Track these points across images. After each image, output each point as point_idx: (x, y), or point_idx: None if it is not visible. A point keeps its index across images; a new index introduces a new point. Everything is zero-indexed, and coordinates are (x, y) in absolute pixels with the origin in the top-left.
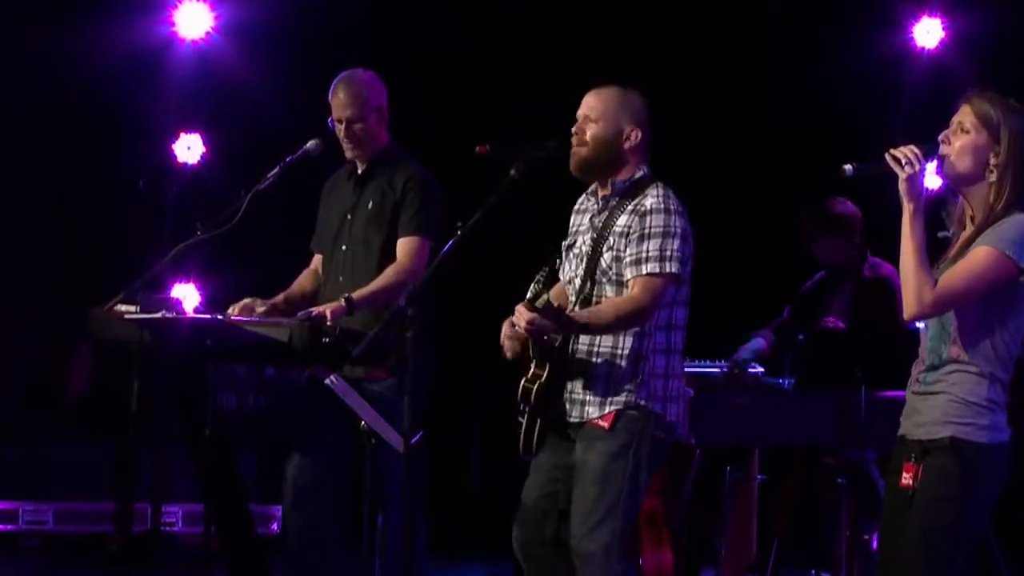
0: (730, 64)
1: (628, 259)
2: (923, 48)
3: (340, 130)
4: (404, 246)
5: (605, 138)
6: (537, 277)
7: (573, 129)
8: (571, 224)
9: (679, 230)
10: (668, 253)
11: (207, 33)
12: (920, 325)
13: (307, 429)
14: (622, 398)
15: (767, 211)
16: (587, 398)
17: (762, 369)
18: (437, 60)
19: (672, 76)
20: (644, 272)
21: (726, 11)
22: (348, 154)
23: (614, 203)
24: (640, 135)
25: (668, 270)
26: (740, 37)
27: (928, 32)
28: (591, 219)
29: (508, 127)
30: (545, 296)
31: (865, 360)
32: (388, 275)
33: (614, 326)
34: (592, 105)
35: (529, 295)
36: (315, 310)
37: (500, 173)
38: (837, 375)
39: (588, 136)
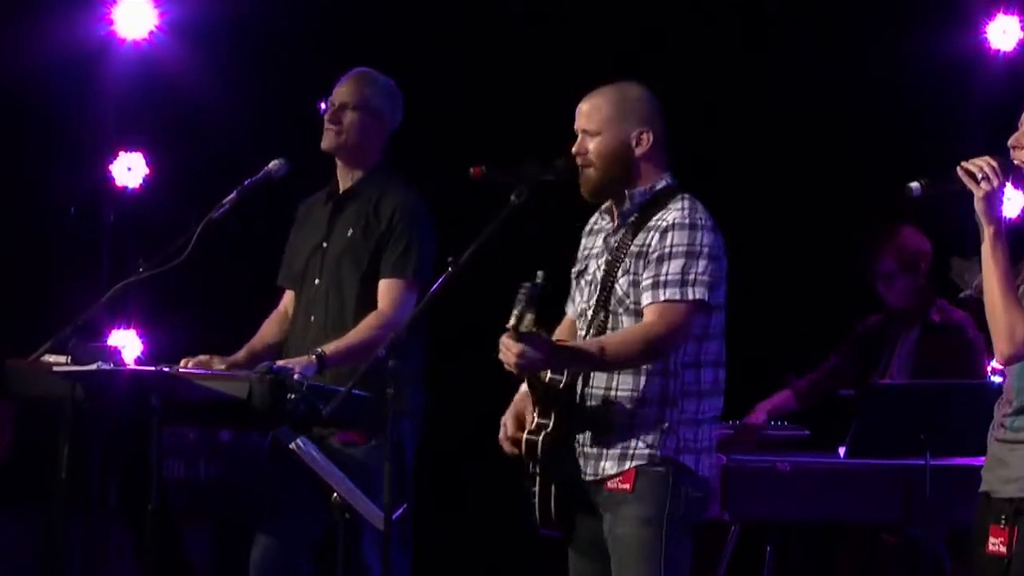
0: (779, 67)
1: (645, 283)
2: (998, 50)
3: (328, 114)
4: (388, 291)
5: (612, 151)
6: (518, 297)
7: (574, 150)
8: (581, 248)
9: (706, 249)
10: (691, 277)
11: (151, 33)
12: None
13: (270, 502)
14: (645, 451)
15: (813, 238)
16: (602, 451)
17: (805, 431)
18: (422, 67)
19: (714, 81)
20: (662, 298)
21: (775, 7)
22: (324, 143)
23: (632, 219)
24: (652, 136)
25: (691, 296)
26: (791, 37)
27: (1004, 32)
28: (605, 240)
29: (507, 145)
30: (530, 317)
31: (931, 422)
32: (369, 326)
33: (623, 360)
34: (588, 115)
35: (512, 321)
36: (279, 363)
37: (499, 199)
38: (898, 439)
39: (592, 154)
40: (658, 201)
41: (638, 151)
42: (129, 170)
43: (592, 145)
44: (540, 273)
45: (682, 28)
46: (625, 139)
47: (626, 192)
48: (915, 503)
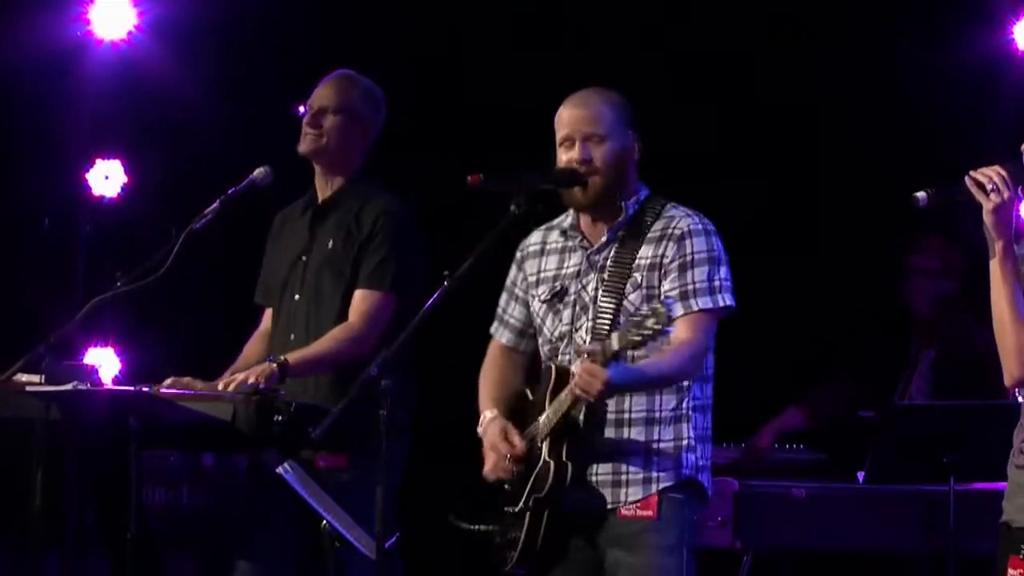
0: (786, 67)
1: (671, 293)
2: None
3: (307, 118)
4: (360, 302)
5: (619, 159)
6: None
7: (577, 156)
8: (534, 271)
9: (723, 255)
10: (717, 283)
11: (130, 33)
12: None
13: (255, 530)
14: (670, 471)
15: (829, 248)
16: (620, 478)
17: (822, 454)
18: (415, 70)
19: (717, 80)
20: (695, 308)
21: (786, 4)
22: (301, 147)
23: (623, 232)
24: (640, 144)
25: (721, 304)
26: (800, 34)
27: None
28: (588, 257)
29: (506, 152)
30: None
31: (955, 444)
32: (335, 338)
33: (680, 377)
34: (593, 119)
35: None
36: (240, 375)
37: (497, 209)
38: (920, 463)
39: (600, 161)
40: (644, 211)
41: (634, 158)
42: (106, 178)
43: (599, 152)
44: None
45: (691, 30)
46: (628, 146)
47: (622, 204)
48: (938, 530)
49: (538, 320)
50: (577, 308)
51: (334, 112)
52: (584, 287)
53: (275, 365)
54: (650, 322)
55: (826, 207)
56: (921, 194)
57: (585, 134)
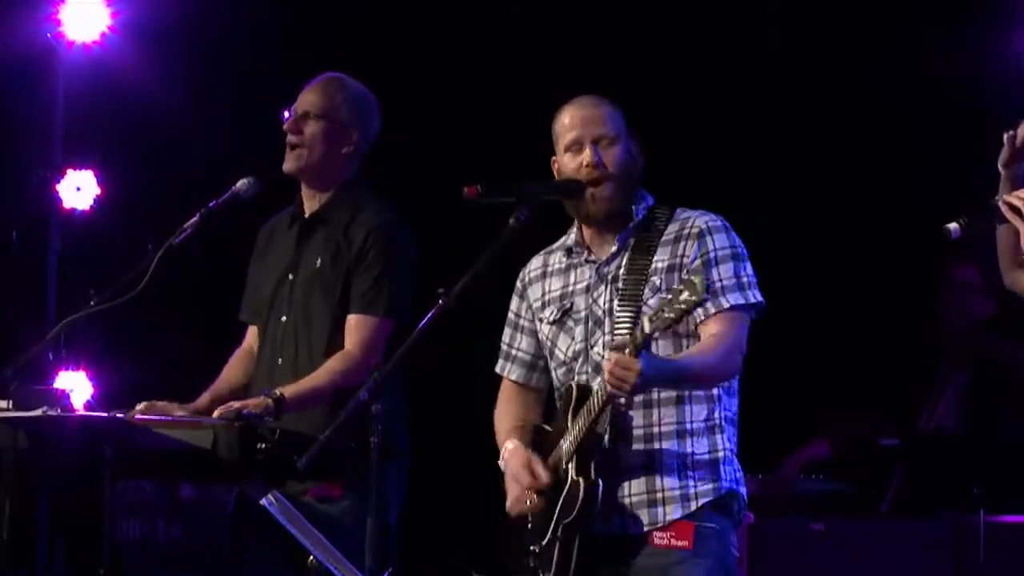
0: (798, 73)
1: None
2: None
3: (288, 123)
4: (356, 328)
5: (630, 161)
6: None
7: (589, 161)
8: (541, 294)
9: (745, 252)
10: (745, 279)
11: (103, 35)
12: None
13: (237, 566)
14: (709, 486)
15: (836, 271)
16: (656, 496)
17: (842, 484)
18: (408, 73)
19: (727, 89)
20: (726, 306)
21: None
22: (286, 166)
23: (634, 239)
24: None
25: (752, 300)
26: (815, 39)
27: None
28: (598, 271)
29: (506, 161)
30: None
31: (986, 474)
32: (332, 370)
33: (713, 373)
34: (604, 121)
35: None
36: (235, 405)
37: (496, 221)
38: (948, 493)
39: (614, 166)
40: (651, 217)
41: (641, 163)
42: (78, 190)
43: (611, 155)
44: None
45: (692, 34)
46: (636, 149)
47: (632, 210)
48: (967, 565)
49: (549, 344)
50: (590, 323)
51: (316, 117)
52: (595, 300)
53: (270, 400)
54: (684, 295)
55: (839, 219)
56: (953, 225)
57: (595, 136)
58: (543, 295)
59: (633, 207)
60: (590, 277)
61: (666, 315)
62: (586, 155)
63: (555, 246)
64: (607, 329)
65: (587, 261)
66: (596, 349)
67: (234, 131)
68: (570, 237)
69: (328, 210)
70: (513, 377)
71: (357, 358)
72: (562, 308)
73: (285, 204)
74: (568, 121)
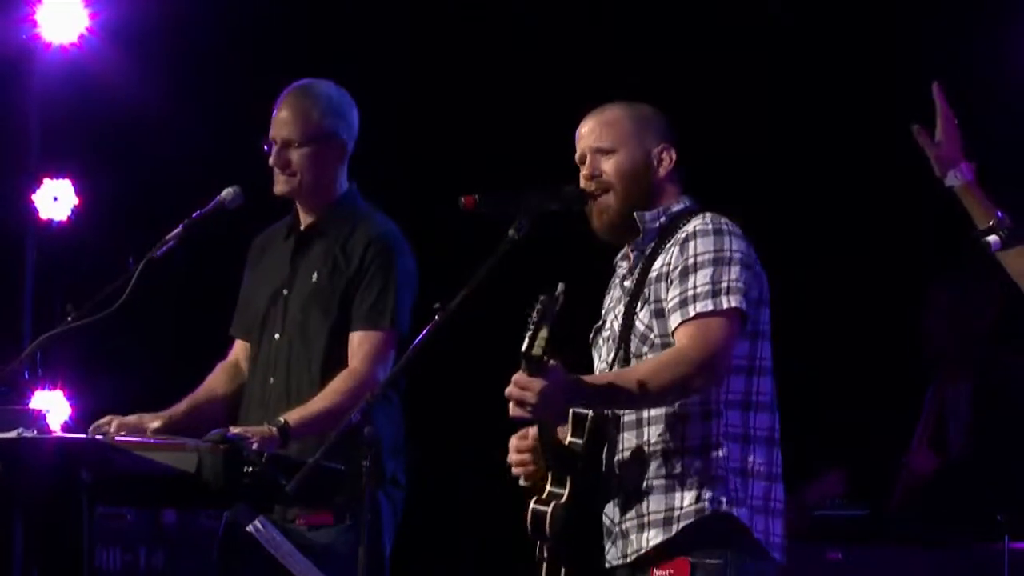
0: (821, 80)
1: (671, 304)
2: None
3: (273, 158)
4: (362, 345)
5: (633, 170)
6: (533, 316)
7: (584, 172)
8: (603, 312)
9: (737, 255)
10: (724, 285)
11: (81, 36)
12: None
13: None
14: (692, 507)
15: (865, 290)
16: (640, 522)
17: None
18: (397, 76)
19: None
20: (692, 314)
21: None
22: (276, 188)
23: (649, 250)
24: (674, 154)
25: (725, 305)
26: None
27: None
28: (622, 285)
29: (504, 170)
30: (544, 336)
31: (1010, 499)
32: (339, 390)
33: (653, 392)
34: (600, 131)
35: (524, 347)
36: (235, 430)
37: (495, 233)
38: (972, 519)
39: (611, 175)
40: (675, 224)
41: (660, 172)
42: (55, 200)
43: (609, 165)
44: (560, 285)
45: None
46: (646, 157)
47: (646, 216)
48: None
49: (596, 362)
50: (611, 341)
51: (300, 144)
52: (616, 316)
53: (275, 429)
54: (543, 333)
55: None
56: (993, 238)
57: (593, 146)
58: (604, 307)
59: (651, 214)
60: (620, 292)
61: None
62: (584, 169)
63: (622, 253)
64: (616, 346)
65: (620, 274)
66: (615, 369)
67: (219, 137)
68: (625, 248)
69: (325, 223)
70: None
71: (364, 375)
72: (597, 327)
73: (274, 213)
74: (576, 136)
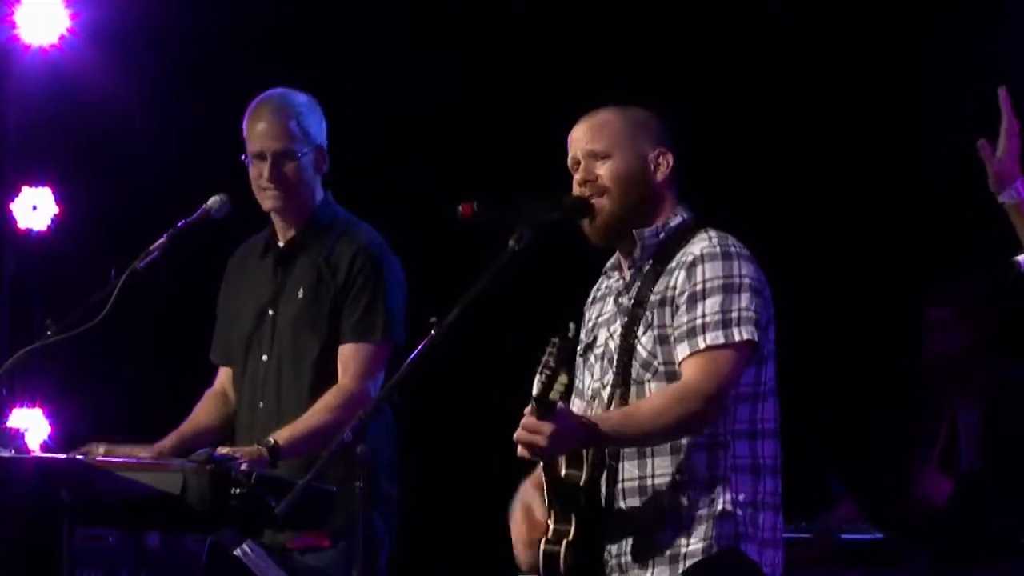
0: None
1: (678, 332)
2: None
3: (261, 170)
4: (352, 358)
5: (630, 174)
6: (544, 358)
7: (578, 177)
8: (586, 320)
9: (747, 280)
10: (734, 315)
11: (62, 38)
12: None
13: None
14: (699, 544)
15: (883, 306)
16: (645, 559)
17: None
18: (394, 78)
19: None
20: (702, 346)
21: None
22: (268, 204)
23: (647, 267)
24: (672, 158)
25: (737, 338)
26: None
27: None
28: (616, 300)
29: (503, 178)
30: (563, 381)
31: None
32: (329, 406)
33: (661, 430)
34: (593, 134)
35: (536, 390)
36: (223, 450)
37: (493, 243)
38: (993, 542)
39: (605, 178)
40: (675, 240)
41: (657, 176)
42: (34, 209)
43: (604, 169)
44: (572, 325)
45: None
46: (642, 161)
47: (636, 235)
48: None
49: (578, 378)
50: (604, 360)
51: (293, 156)
52: (612, 335)
53: (264, 449)
54: (562, 378)
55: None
56: (1021, 257)
57: (586, 151)
58: (587, 322)
59: (649, 231)
60: (613, 307)
61: (540, 378)
62: (578, 173)
63: (610, 263)
64: (614, 367)
65: (614, 289)
66: (607, 390)
67: (206, 144)
68: (613, 257)
69: (306, 236)
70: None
71: (355, 390)
72: (586, 341)
73: (262, 221)
74: (568, 141)
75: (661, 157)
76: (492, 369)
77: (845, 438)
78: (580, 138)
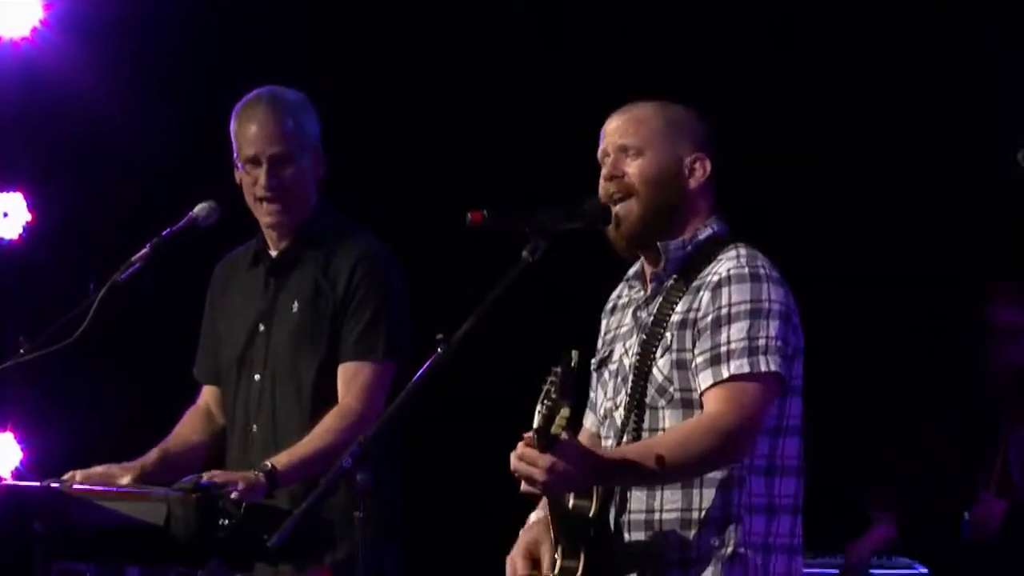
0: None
1: (699, 359)
2: None
3: (257, 177)
4: (354, 378)
5: (660, 175)
6: (545, 388)
7: (606, 173)
8: (602, 331)
9: (776, 306)
10: (761, 342)
11: (35, 31)
12: None
13: None
14: None
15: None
16: None
17: (922, 569)
18: (390, 77)
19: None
20: (725, 375)
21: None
22: (268, 219)
23: (671, 282)
24: (710, 165)
25: (764, 368)
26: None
27: None
28: (635, 314)
29: (517, 182)
30: (565, 414)
31: None
32: (331, 428)
33: (686, 468)
34: (626, 128)
35: (537, 421)
36: (213, 475)
37: (505, 254)
38: None
39: (634, 177)
40: (703, 254)
41: (691, 182)
42: (5, 216)
43: (633, 167)
44: (574, 353)
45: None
46: (676, 163)
47: (661, 247)
48: None
49: (591, 395)
50: (619, 379)
51: (290, 160)
52: (627, 351)
53: (261, 475)
54: (564, 411)
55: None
56: None
57: (617, 146)
58: (604, 333)
59: (675, 243)
60: (631, 321)
61: (542, 411)
62: (605, 168)
63: (631, 271)
64: (628, 388)
65: (634, 300)
66: (619, 411)
67: (191, 145)
68: (636, 265)
69: (302, 245)
70: (587, 424)
71: (357, 411)
72: (601, 355)
73: (253, 231)
74: (601, 133)
75: (698, 162)
76: (504, 391)
77: (887, 452)
78: (613, 131)
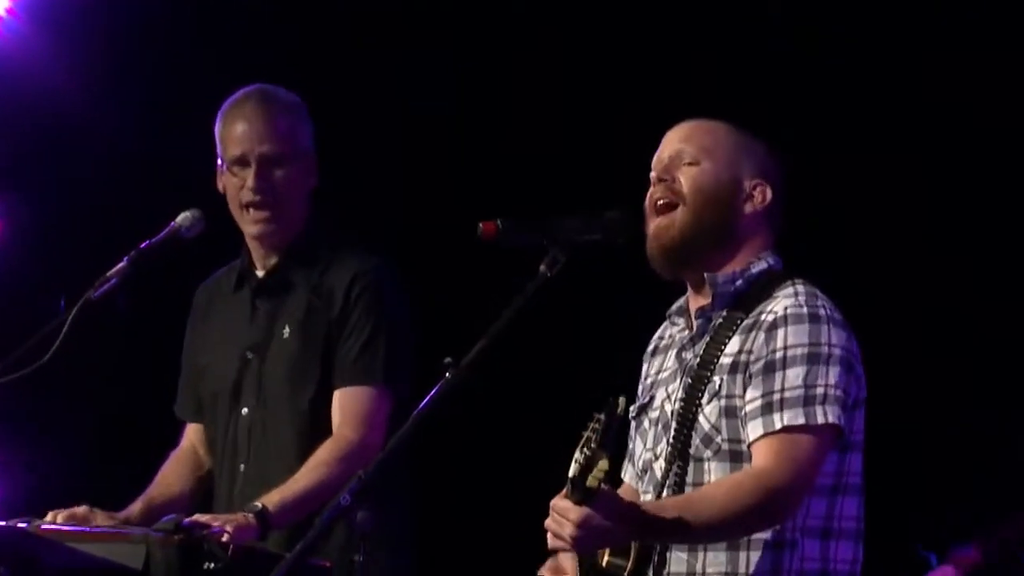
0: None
1: (750, 407)
2: None
3: (244, 179)
4: (350, 405)
5: (713, 189)
6: (586, 435)
7: (654, 176)
8: (643, 375)
9: (837, 351)
10: (819, 391)
11: (1, 20)
12: None
13: None
14: None
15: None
16: None
17: None
18: (397, 76)
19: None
20: (778, 426)
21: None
22: (254, 228)
23: (719, 320)
24: (770, 195)
25: (821, 419)
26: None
27: None
28: (679, 355)
29: (533, 191)
30: (604, 465)
31: None
32: (324, 461)
33: (727, 528)
34: (689, 136)
35: (573, 470)
36: (201, 518)
37: (522, 268)
38: None
39: (686, 187)
40: (756, 290)
41: (747, 207)
42: None
43: (687, 175)
44: (621, 400)
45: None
46: (735, 182)
47: (708, 278)
48: None
49: (629, 445)
50: (659, 427)
51: (285, 163)
52: (670, 396)
53: (251, 516)
54: (602, 463)
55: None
56: None
57: (675, 150)
58: (645, 376)
59: (724, 276)
60: (675, 363)
61: (578, 460)
62: (654, 171)
63: (675, 307)
64: (670, 437)
65: (678, 341)
66: (660, 462)
67: (173, 149)
68: (682, 298)
69: (291, 262)
70: (626, 477)
71: (354, 441)
72: (641, 401)
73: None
74: (664, 139)
75: (758, 188)
76: (520, 421)
77: (956, 513)
78: (674, 136)
